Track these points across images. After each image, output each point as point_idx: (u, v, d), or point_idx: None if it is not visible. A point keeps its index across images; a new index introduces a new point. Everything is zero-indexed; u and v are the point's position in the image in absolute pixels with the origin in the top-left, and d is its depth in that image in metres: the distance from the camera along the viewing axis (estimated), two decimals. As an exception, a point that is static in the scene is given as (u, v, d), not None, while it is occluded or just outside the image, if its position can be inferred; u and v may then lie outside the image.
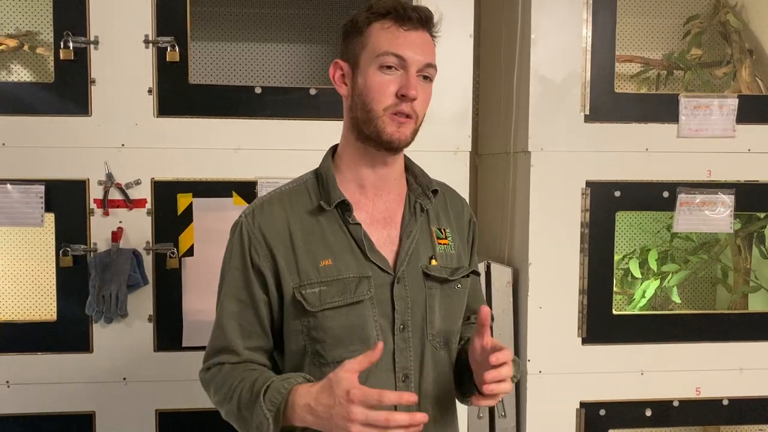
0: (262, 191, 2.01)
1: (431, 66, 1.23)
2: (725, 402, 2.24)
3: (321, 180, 1.28)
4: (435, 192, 1.33)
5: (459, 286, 1.33)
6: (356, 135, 1.25)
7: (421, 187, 1.32)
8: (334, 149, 1.33)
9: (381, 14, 1.21)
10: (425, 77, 1.23)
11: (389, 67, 1.20)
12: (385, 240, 1.27)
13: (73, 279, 1.99)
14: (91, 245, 1.99)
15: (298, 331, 1.23)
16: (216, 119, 2.02)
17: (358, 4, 1.28)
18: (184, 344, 2.03)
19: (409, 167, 1.35)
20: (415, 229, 1.29)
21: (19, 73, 2.40)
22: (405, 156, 1.34)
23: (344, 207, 1.25)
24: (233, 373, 1.23)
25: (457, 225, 1.38)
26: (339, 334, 1.21)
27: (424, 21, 1.22)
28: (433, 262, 1.29)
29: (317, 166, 1.33)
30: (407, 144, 1.24)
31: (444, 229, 1.34)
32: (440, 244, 1.32)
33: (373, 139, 1.22)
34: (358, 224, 1.25)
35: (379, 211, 1.29)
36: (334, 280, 1.22)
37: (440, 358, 1.30)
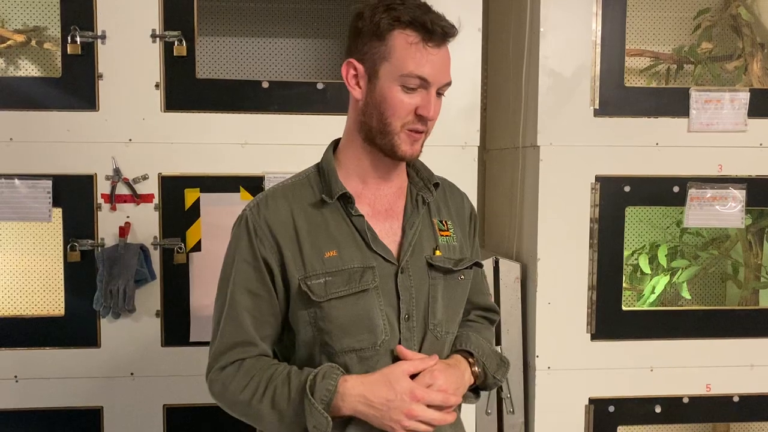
0: (269, 186, 2.00)
1: (448, 84, 1.26)
2: (735, 398, 2.22)
3: (323, 173, 1.29)
4: (436, 185, 1.35)
5: (462, 277, 1.34)
6: (364, 137, 1.26)
7: (422, 181, 1.34)
8: (336, 143, 1.34)
9: (404, 22, 1.19)
10: (439, 93, 1.25)
11: (412, 88, 1.21)
12: (387, 231, 1.29)
13: (81, 274, 1.99)
14: (99, 240, 1.99)
15: (306, 322, 1.24)
16: (223, 114, 2.02)
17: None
18: (191, 339, 2.03)
19: (410, 161, 1.35)
20: (418, 220, 1.30)
21: (27, 68, 2.40)
22: None
23: (346, 199, 1.26)
24: (255, 370, 1.23)
25: (458, 218, 1.39)
26: (345, 323, 1.22)
27: (448, 36, 1.22)
28: (437, 252, 1.31)
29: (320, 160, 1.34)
30: (418, 157, 1.28)
31: (446, 222, 1.35)
32: (442, 235, 1.33)
33: (384, 151, 1.24)
34: (361, 215, 1.26)
35: (380, 203, 1.30)
36: (338, 270, 1.23)
37: (441, 348, 1.30)
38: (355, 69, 1.24)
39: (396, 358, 1.24)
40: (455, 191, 1.43)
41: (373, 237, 1.26)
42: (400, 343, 1.25)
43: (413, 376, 1.21)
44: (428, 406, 1.18)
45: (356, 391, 1.17)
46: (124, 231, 1.98)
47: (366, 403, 1.17)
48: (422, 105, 1.21)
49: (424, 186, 1.33)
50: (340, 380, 1.18)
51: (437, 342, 1.29)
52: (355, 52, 1.24)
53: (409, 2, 1.21)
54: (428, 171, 1.35)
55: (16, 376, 2.01)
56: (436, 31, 1.19)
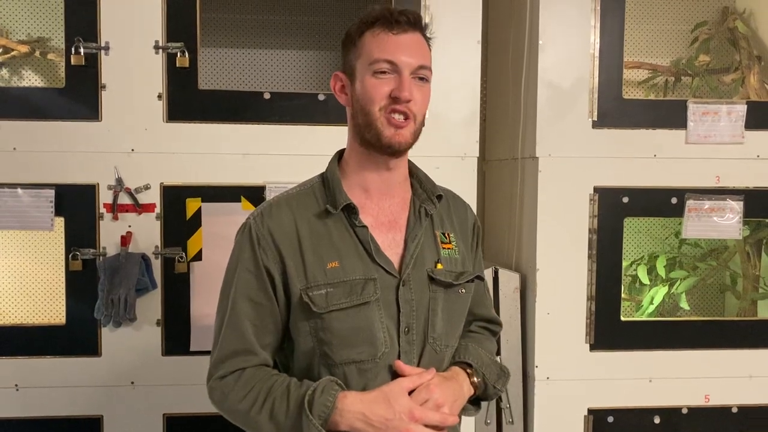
0: (270, 196, 2.02)
1: (425, 68, 1.25)
2: (734, 409, 2.22)
3: (327, 184, 1.30)
4: (439, 197, 1.35)
5: (463, 290, 1.34)
6: (359, 141, 1.27)
7: (425, 192, 1.34)
8: (340, 154, 1.35)
9: (371, 22, 1.24)
10: (421, 78, 1.25)
11: (383, 72, 1.22)
12: (390, 243, 1.29)
13: (82, 283, 2.00)
14: (101, 249, 2.00)
15: (306, 332, 1.24)
16: (225, 124, 2.04)
17: (365, 10, 1.29)
18: (192, 348, 2.04)
19: (414, 172, 1.37)
20: (420, 232, 1.30)
21: (31, 79, 2.42)
22: (410, 161, 1.35)
23: (350, 210, 1.27)
24: (255, 381, 1.23)
25: (461, 230, 1.39)
26: (346, 335, 1.22)
27: (412, 23, 1.24)
28: (439, 266, 1.30)
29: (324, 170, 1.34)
30: (408, 146, 1.26)
31: (448, 234, 1.35)
32: (444, 248, 1.33)
33: (374, 144, 1.24)
34: (365, 227, 1.26)
35: (384, 214, 1.30)
36: (340, 282, 1.23)
37: (440, 361, 1.31)
38: (341, 80, 1.29)
39: (395, 372, 1.25)
40: (459, 203, 1.44)
41: (376, 248, 1.26)
42: (399, 356, 1.25)
43: (411, 392, 1.22)
44: (426, 425, 1.19)
45: (355, 408, 1.18)
46: (125, 240, 1.99)
47: (364, 420, 1.17)
48: (396, 87, 1.22)
49: (427, 198, 1.33)
50: (339, 396, 1.18)
51: (436, 355, 1.29)
52: (341, 65, 1.30)
53: (377, 7, 1.25)
54: (431, 183, 1.36)
55: (16, 385, 2.01)
56: (399, 19, 1.23)
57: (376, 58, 1.22)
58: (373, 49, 1.22)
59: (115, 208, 2.00)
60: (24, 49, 2.34)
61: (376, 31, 1.23)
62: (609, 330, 2.17)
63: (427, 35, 1.28)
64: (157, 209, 2.02)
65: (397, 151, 1.25)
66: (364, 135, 1.25)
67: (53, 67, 2.40)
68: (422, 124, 1.28)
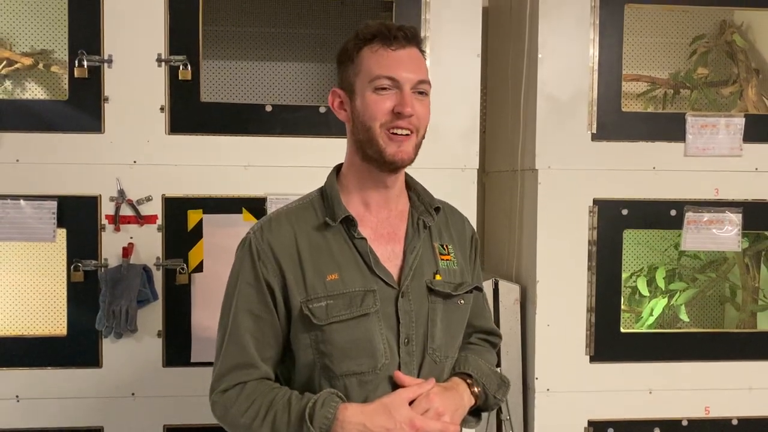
0: (271, 208, 2.03)
1: (424, 82, 1.26)
2: (735, 421, 2.22)
3: (326, 197, 1.31)
4: (437, 209, 1.36)
5: (462, 301, 1.35)
6: (360, 156, 1.28)
7: (423, 205, 1.36)
8: (338, 168, 1.36)
9: (368, 39, 1.25)
10: (420, 92, 1.26)
11: (384, 88, 1.24)
12: (389, 255, 1.30)
13: (84, 294, 2.00)
14: (102, 261, 2.01)
15: (307, 345, 1.25)
16: (227, 137, 2.05)
17: (364, 23, 1.30)
18: (192, 360, 2.04)
19: (411, 185, 1.38)
20: (419, 244, 1.32)
21: (34, 91, 2.43)
22: (406, 174, 1.37)
23: (349, 222, 1.28)
24: (257, 394, 1.24)
25: (459, 242, 1.40)
26: (346, 347, 1.23)
27: (410, 38, 1.26)
28: (437, 276, 1.32)
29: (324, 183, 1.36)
30: (411, 161, 1.27)
31: (446, 246, 1.37)
32: (443, 259, 1.35)
33: (376, 160, 1.25)
34: (364, 238, 1.28)
35: (382, 226, 1.32)
36: (340, 294, 1.24)
37: (440, 372, 1.31)
38: (339, 96, 1.31)
39: (396, 383, 1.25)
40: (456, 215, 1.45)
41: (375, 260, 1.27)
42: (399, 367, 1.26)
43: (411, 402, 1.22)
44: None
45: (356, 419, 1.18)
46: (127, 251, 2.00)
47: (365, 431, 1.18)
48: (398, 103, 1.23)
49: (425, 210, 1.35)
50: (340, 407, 1.19)
51: (436, 366, 1.30)
52: (338, 82, 1.32)
53: (373, 23, 1.27)
54: (429, 195, 1.37)
55: (17, 396, 2.01)
56: (397, 35, 1.24)
57: (377, 74, 1.23)
58: (372, 66, 1.24)
59: (117, 220, 2.01)
60: (27, 61, 2.35)
61: (374, 47, 1.24)
62: (609, 342, 2.17)
63: (423, 49, 1.30)
64: (159, 221, 2.03)
65: (399, 167, 1.27)
66: (365, 151, 1.26)
67: (56, 79, 2.42)
68: (423, 137, 1.29)
